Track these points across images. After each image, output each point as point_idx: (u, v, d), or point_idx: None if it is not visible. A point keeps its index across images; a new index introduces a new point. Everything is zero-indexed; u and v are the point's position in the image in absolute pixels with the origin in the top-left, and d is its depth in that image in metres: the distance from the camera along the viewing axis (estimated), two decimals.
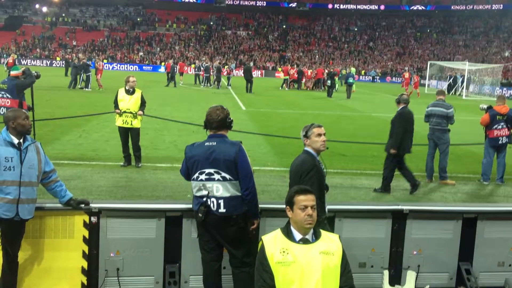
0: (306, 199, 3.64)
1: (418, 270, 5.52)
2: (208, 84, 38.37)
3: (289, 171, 5.00)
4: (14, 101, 10.24)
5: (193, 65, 41.87)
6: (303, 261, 3.51)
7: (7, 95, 10.30)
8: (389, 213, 5.51)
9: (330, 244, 3.64)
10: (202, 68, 39.98)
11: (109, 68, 59.78)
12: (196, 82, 40.14)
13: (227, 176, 4.67)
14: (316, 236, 3.67)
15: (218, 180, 4.68)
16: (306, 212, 3.61)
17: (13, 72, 10.77)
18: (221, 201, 4.69)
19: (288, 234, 3.65)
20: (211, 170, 4.68)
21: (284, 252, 3.55)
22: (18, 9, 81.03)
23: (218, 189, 4.69)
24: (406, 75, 43.01)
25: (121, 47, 73.44)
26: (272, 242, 3.63)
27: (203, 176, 4.71)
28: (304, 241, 3.62)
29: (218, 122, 4.83)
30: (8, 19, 78.23)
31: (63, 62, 50.65)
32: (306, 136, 4.94)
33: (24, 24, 77.14)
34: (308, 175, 4.72)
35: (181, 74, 41.65)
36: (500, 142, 10.70)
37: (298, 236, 3.63)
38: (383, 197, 9.24)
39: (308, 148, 4.95)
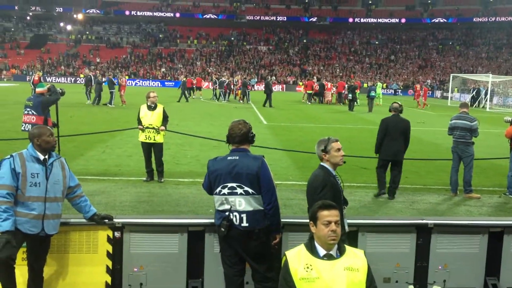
0: (329, 215, 3.61)
1: (444, 286, 5.42)
2: (223, 99, 38.53)
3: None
4: (39, 118, 10.44)
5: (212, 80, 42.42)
6: (327, 278, 3.47)
7: (33, 111, 10.52)
8: (413, 227, 5.44)
9: (355, 259, 3.59)
10: (216, 83, 40.42)
11: (132, 84, 60.58)
12: (213, 97, 40.49)
13: (250, 190, 4.67)
14: (341, 251, 3.62)
15: (241, 194, 4.68)
16: (330, 228, 3.57)
17: (38, 89, 11.00)
18: (244, 215, 4.68)
19: (312, 249, 3.61)
20: (234, 184, 4.69)
21: (308, 268, 3.50)
22: (43, 28, 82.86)
23: (241, 203, 4.69)
24: (418, 87, 42.77)
25: (144, 63, 74.43)
26: (296, 257, 3.59)
27: (225, 190, 4.72)
28: (329, 256, 3.57)
29: (240, 136, 4.85)
30: (34, 38, 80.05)
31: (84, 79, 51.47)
32: (325, 151, 4.90)
33: (49, 42, 78.79)
34: (322, 191, 4.67)
35: (199, 88, 42.06)
36: None
37: (322, 251, 3.59)
38: (407, 211, 9.13)
39: (324, 164, 4.92)
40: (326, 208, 3.65)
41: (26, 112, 10.65)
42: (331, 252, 3.58)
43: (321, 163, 4.95)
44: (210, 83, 40.26)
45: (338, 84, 40.34)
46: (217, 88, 39.55)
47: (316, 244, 3.63)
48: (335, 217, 3.62)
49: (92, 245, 5.11)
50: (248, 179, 4.66)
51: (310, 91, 39.94)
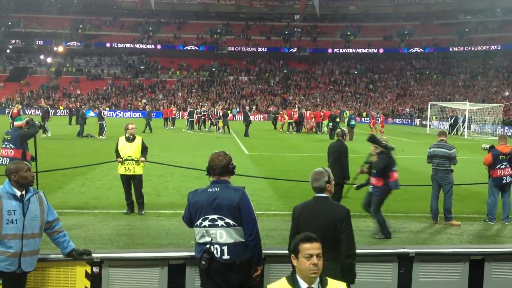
0: (311, 247, 3.56)
1: None
2: (192, 129, 38.77)
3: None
4: (17, 151, 10.32)
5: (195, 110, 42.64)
6: None
7: (11, 145, 10.40)
8: (395, 257, 5.44)
9: None
10: (194, 113, 40.78)
11: (112, 115, 60.34)
12: (187, 127, 40.65)
13: (231, 222, 4.63)
14: (323, 284, 3.57)
15: (222, 226, 4.64)
16: (311, 261, 3.52)
17: (17, 123, 10.91)
18: (225, 248, 4.64)
19: (293, 283, 3.55)
20: (215, 216, 4.65)
21: None
22: (23, 60, 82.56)
23: (222, 235, 4.65)
24: (374, 114, 43.41)
25: (125, 94, 74.35)
26: None
27: (206, 223, 4.67)
28: None
29: (221, 168, 4.83)
30: (13, 70, 79.66)
31: (67, 111, 51.30)
32: (329, 181, 4.80)
33: (28, 75, 78.41)
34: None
35: (172, 119, 42.14)
36: (504, 181, 10.65)
37: (304, 285, 3.54)
38: (388, 241, 9.13)
39: (327, 195, 4.87)
40: (308, 240, 3.60)
41: (4, 146, 10.52)
42: (313, 286, 3.54)
43: (325, 195, 4.81)
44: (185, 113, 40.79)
45: (315, 114, 40.47)
46: (189, 118, 39.91)
47: (298, 278, 3.57)
48: (317, 249, 3.57)
49: (70, 281, 5.00)
50: (229, 211, 4.63)
51: (290, 120, 40.20)
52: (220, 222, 4.64)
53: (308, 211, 4.72)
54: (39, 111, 32.53)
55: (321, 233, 4.49)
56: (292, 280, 3.58)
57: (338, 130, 11.63)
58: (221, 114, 38.41)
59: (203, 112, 40.96)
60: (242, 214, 4.65)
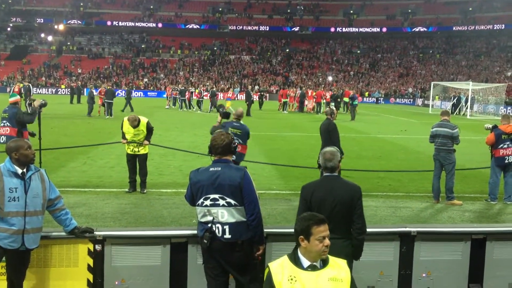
0: (324, 230, 3.55)
1: None
2: (186, 108, 38.97)
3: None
4: (13, 130, 10.26)
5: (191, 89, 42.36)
6: None
7: (8, 123, 10.34)
8: (396, 235, 5.45)
9: (339, 270, 3.56)
10: (177, 91, 41.00)
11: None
12: (175, 105, 40.92)
13: (232, 202, 4.63)
14: (324, 262, 3.56)
15: (223, 205, 4.64)
16: (324, 243, 3.52)
17: (10, 99, 10.84)
18: (226, 227, 4.64)
19: (295, 260, 3.55)
20: (216, 196, 4.65)
21: (292, 279, 3.45)
22: (24, 39, 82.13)
23: (223, 214, 4.65)
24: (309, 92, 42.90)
25: (126, 73, 74.08)
26: (280, 269, 3.52)
27: (208, 202, 4.67)
28: (313, 267, 3.52)
29: (222, 147, 4.82)
30: (14, 49, 79.26)
31: (68, 90, 51.16)
32: (340, 161, 4.92)
33: (30, 53, 78.10)
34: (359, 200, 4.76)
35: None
36: (506, 161, 10.64)
37: (306, 263, 3.53)
38: (390, 218, 9.16)
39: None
40: (321, 223, 3.58)
41: (2, 124, 10.48)
42: (315, 263, 3.54)
43: (336, 174, 4.87)
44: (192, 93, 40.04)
45: (317, 94, 40.24)
46: (180, 97, 39.82)
47: (300, 255, 3.57)
48: (328, 231, 3.59)
49: (73, 259, 5.03)
50: (231, 191, 4.62)
51: (286, 100, 40.07)
52: (221, 202, 4.64)
53: (323, 190, 4.73)
54: (22, 89, 31.69)
55: (336, 211, 4.55)
56: (294, 258, 3.57)
57: (327, 108, 11.67)
58: (204, 94, 38.54)
59: (176, 90, 41.21)
60: (244, 194, 4.64)
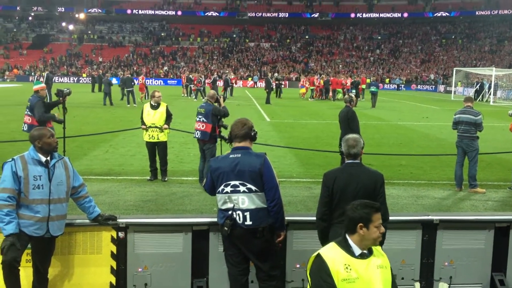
0: (380, 217, 3.58)
1: (450, 282, 5.39)
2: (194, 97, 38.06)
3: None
4: (34, 119, 10.37)
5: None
6: (365, 277, 3.40)
7: (29, 112, 10.45)
8: (419, 224, 5.41)
9: (382, 258, 3.57)
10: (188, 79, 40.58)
11: (134, 83, 60.41)
12: (185, 94, 40.70)
13: (253, 188, 4.63)
14: (369, 250, 3.56)
15: (244, 192, 4.65)
16: (381, 230, 3.54)
17: (35, 87, 10.92)
18: (247, 214, 4.65)
19: (347, 248, 3.50)
20: (237, 182, 4.66)
21: (347, 268, 3.40)
22: (45, 28, 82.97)
23: (244, 201, 4.66)
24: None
25: (147, 62, 74.42)
26: (333, 258, 3.46)
27: (228, 189, 4.69)
28: (362, 255, 3.49)
29: (242, 134, 4.82)
30: (36, 38, 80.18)
31: (90, 78, 51.56)
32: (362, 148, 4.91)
33: (51, 42, 78.90)
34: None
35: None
36: None
37: (358, 251, 3.50)
38: (412, 207, 9.09)
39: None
40: (378, 210, 3.59)
41: (26, 112, 10.61)
42: (364, 251, 3.52)
43: (358, 161, 4.84)
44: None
45: (332, 81, 39.80)
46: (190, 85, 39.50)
47: (352, 243, 3.53)
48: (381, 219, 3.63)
49: (96, 246, 5.10)
50: (251, 177, 4.63)
51: (313, 87, 39.88)
52: (242, 188, 4.65)
53: (345, 177, 4.70)
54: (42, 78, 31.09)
55: (358, 198, 4.53)
56: (346, 245, 3.52)
57: (346, 96, 11.57)
58: (204, 81, 38.49)
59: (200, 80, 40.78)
60: (264, 180, 4.64)
